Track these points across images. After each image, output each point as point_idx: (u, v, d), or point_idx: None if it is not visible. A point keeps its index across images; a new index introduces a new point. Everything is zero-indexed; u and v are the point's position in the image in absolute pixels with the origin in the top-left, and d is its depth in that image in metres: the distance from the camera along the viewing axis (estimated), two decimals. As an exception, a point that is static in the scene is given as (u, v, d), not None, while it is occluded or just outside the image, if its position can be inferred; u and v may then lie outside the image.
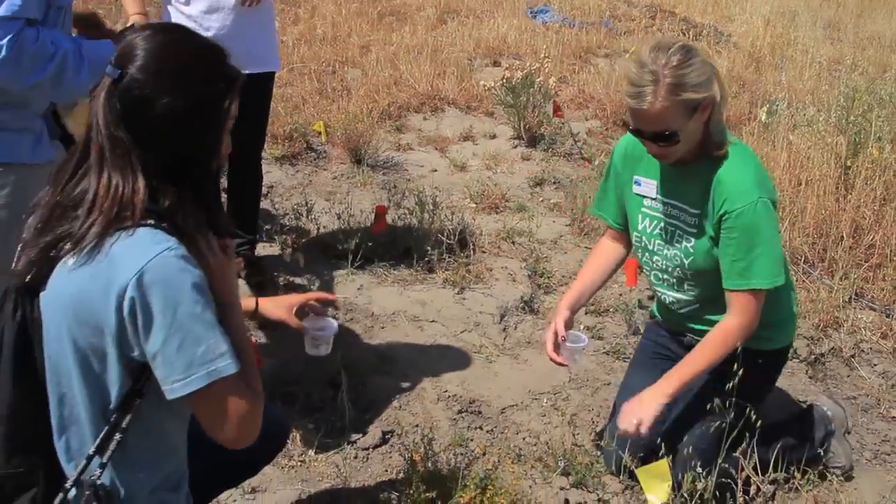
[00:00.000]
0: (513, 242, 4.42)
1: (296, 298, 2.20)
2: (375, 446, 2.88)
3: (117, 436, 1.56)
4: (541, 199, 5.06)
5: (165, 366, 1.48)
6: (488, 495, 2.30)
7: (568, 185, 5.15)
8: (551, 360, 2.63)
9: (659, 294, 2.75)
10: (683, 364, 2.49)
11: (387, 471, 2.78)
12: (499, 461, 2.76)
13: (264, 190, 4.66)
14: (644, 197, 2.63)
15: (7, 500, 1.57)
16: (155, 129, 1.52)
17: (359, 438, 2.90)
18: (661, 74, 2.26)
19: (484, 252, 4.29)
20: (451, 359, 3.42)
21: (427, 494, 2.28)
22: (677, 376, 2.46)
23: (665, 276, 2.65)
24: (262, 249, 4.10)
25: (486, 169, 5.44)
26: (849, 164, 4.70)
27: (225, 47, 1.64)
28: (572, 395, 3.25)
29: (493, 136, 5.99)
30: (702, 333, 2.59)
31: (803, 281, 4.11)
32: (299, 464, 2.77)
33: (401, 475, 2.72)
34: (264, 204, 4.51)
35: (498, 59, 7.55)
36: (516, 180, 5.27)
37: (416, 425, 3.00)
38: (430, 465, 2.47)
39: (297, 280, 3.84)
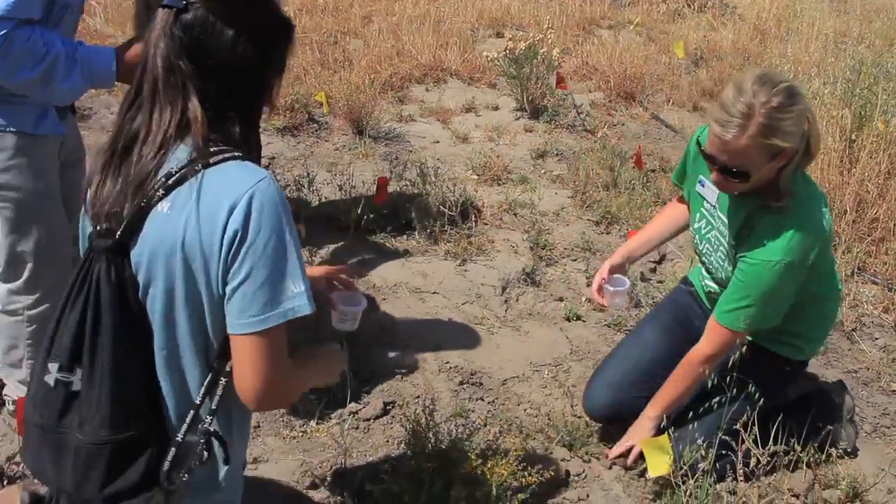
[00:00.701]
0: (515, 214, 4.41)
1: (321, 270, 2.11)
2: (377, 417, 2.89)
3: (222, 380, 1.56)
4: (543, 171, 5.04)
5: (244, 299, 1.46)
6: (489, 466, 2.31)
7: (570, 158, 5.13)
8: (593, 299, 2.77)
9: (703, 280, 2.76)
10: (661, 395, 2.61)
11: (388, 441, 2.79)
12: (500, 432, 2.76)
13: (266, 161, 4.65)
14: (703, 198, 2.59)
15: (122, 467, 1.54)
16: (218, 62, 1.50)
17: (360, 409, 2.91)
18: (756, 111, 2.14)
19: (486, 224, 4.28)
20: (453, 330, 3.42)
21: (428, 465, 2.28)
22: (658, 407, 2.61)
23: (712, 275, 2.67)
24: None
25: (489, 140, 5.41)
26: (854, 137, 4.67)
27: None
28: (573, 367, 3.26)
29: (496, 108, 5.96)
30: None
31: (806, 254, 4.10)
32: (301, 434, 2.78)
33: (402, 446, 2.73)
34: (266, 175, 4.49)
35: (501, 29, 7.49)
36: (519, 152, 5.25)
37: (418, 396, 3.00)
38: (431, 436, 2.47)
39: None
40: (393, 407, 2.94)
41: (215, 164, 1.49)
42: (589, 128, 5.65)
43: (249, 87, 1.56)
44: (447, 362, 3.22)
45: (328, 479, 2.51)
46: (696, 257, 2.78)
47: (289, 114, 5.31)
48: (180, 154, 1.50)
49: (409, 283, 3.72)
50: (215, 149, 1.51)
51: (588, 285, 3.84)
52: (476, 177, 4.81)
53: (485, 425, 2.85)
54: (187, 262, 1.48)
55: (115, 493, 1.54)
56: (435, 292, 3.67)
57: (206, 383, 1.56)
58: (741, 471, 2.51)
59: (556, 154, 5.25)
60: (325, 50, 6.42)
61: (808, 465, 2.65)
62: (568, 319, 3.58)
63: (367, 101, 5.38)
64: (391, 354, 3.08)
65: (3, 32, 2.02)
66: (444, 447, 2.40)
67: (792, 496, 2.62)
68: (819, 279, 2.53)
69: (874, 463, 2.85)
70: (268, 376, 1.51)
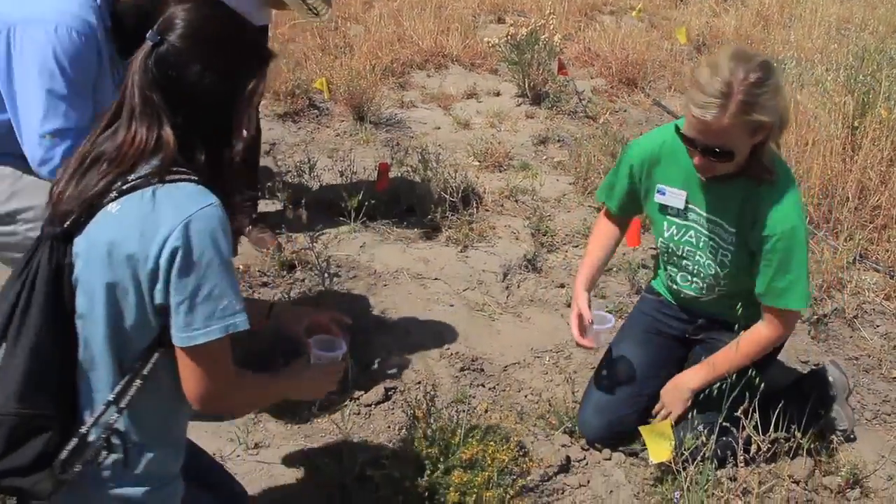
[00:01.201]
0: (516, 201, 4.40)
1: (307, 313, 2.18)
2: (378, 403, 2.89)
3: (137, 382, 1.61)
4: (545, 157, 5.03)
5: (188, 314, 1.55)
6: (490, 451, 2.31)
7: (572, 144, 5.12)
8: (578, 343, 2.64)
9: (677, 287, 2.74)
10: (711, 365, 2.54)
11: (389, 427, 2.79)
12: (501, 418, 2.77)
13: (266, 147, 4.64)
14: (668, 207, 2.57)
15: (19, 442, 1.58)
16: (185, 95, 1.59)
17: (361, 395, 2.91)
18: (735, 89, 2.13)
19: (487, 210, 4.27)
20: (454, 317, 3.42)
21: (429, 451, 2.29)
22: (704, 375, 2.54)
23: (693, 279, 2.66)
24: (265, 206, 4.08)
25: (490, 127, 5.39)
26: (856, 124, 4.65)
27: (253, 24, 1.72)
28: (574, 353, 3.26)
29: (497, 94, 5.94)
30: (716, 317, 2.67)
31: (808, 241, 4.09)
32: (302, 420, 2.78)
33: (403, 432, 2.74)
34: (267, 161, 4.49)
35: (502, 15, 7.46)
36: (520, 138, 5.23)
37: (419, 382, 3.01)
38: (432, 421, 2.48)
39: (300, 237, 3.83)
40: (394, 393, 2.95)
41: (170, 181, 1.57)
42: (591, 114, 5.63)
43: (216, 120, 1.64)
44: (448, 348, 3.22)
45: (329, 464, 2.52)
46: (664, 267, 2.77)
47: (290, 100, 5.29)
48: (142, 170, 1.59)
49: (410, 269, 3.71)
50: (175, 169, 1.59)
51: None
52: (477, 163, 4.80)
53: (486, 411, 2.85)
54: (118, 265, 1.56)
55: (7, 468, 1.58)
56: (436, 278, 3.67)
57: (119, 383, 1.61)
58: (742, 457, 2.52)
59: (558, 140, 5.24)
60: (325, 35, 6.39)
61: (809, 452, 2.66)
62: (569, 306, 3.56)
63: (368, 87, 5.36)
64: (376, 362, 3.07)
65: (67, 146, 2.11)
66: (445, 433, 2.40)
67: (792, 482, 2.62)
68: None
69: (874, 450, 2.85)
70: (209, 385, 1.61)
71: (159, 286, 1.55)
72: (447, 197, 4.12)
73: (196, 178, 1.60)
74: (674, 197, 2.53)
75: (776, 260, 2.39)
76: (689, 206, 2.53)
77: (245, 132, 1.71)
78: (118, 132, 1.62)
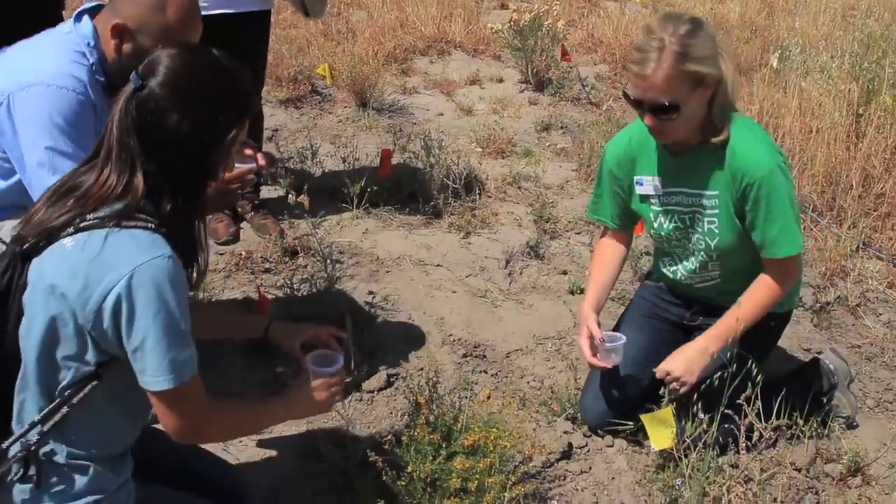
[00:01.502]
0: (519, 187, 4.39)
1: (304, 329, 2.19)
2: (380, 389, 2.90)
3: (64, 409, 1.62)
4: (548, 143, 5.02)
5: (141, 361, 1.58)
6: (492, 438, 2.31)
7: (575, 131, 5.10)
8: (591, 365, 2.60)
9: (672, 274, 2.73)
10: (725, 324, 2.49)
11: (391, 413, 2.80)
12: (503, 405, 2.77)
13: (269, 133, 4.63)
14: (649, 196, 2.59)
15: None
16: (161, 142, 1.60)
17: (364, 381, 2.92)
18: (667, 42, 2.22)
19: (490, 197, 4.27)
20: (457, 303, 3.42)
21: (431, 437, 2.29)
22: (720, 335, 2.48)
23: (687, 262, 2.66)
24: (267, 193, 4.08)
25: (493, 113, 5.38)
26: (861, 111, 4.64)
27: (244, 70, 1.73)
28: (576, 339, 3.25)
29: (500, 80, 5.92)
30: (712, 303, 2.64)
31: (811, 229, 4.08)
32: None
33: (405, 418, 2.74)
34: (269, 147, 4.48)
35: (506, 1, 7.44)
36: (523, 125, 5.22)
37: (421, 369, 3.01)
38: (434, 407, 2.48)
39: (302, 224, 3.82)
40: (396, 379, 2.95)
41: (125, 227, 1.58)
42: (594, 101, 5.61)
43: (189, 168, 1.65)
44: (451, 335, 3.22)
45: (332, 450, 2.52)
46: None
47: (292, 86, 5.28)
48: (102, 212, 1.61)
49: (412, 255, 3.71)
50: (136, 215, 1.60)
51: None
52: (480, 149, 4.79)
53: (488, 398, 2.85)
54: (59, 300, 1.57)
55: None
56: (438, 265, 3.67)
57: (46, 408, 1.62)
58: (743, 444, 2.52)
59: (561, 127, 5.22)
60: (328, 21, 6.37)
61: (810, 439, 2.66)
62: (571, 293, 3.57)
63: (370, 73, 5.35)
64: (378, 349, 3.09)
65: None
66: (447, 419, 2.41)
67: (794, 470, 2.63)
68: None
69: (876, 438, 2.85)
70: (179, 423, 1.66)
71: (107, 331, 1.56)
72: (450, 183, 4.11)
73: (153, 226, 1.60)
74: (648, 185, 2.57)
75: (761, 209, 2.39)
76: (668, 189, 2.55)
77: (221, 176, 1.74)
78: (93, 170, 1.64)
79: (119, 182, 1.60)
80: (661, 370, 2.50)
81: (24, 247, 1.63)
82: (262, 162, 2.29)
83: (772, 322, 2.63)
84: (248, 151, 2.27)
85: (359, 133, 4.89)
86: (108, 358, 1.62)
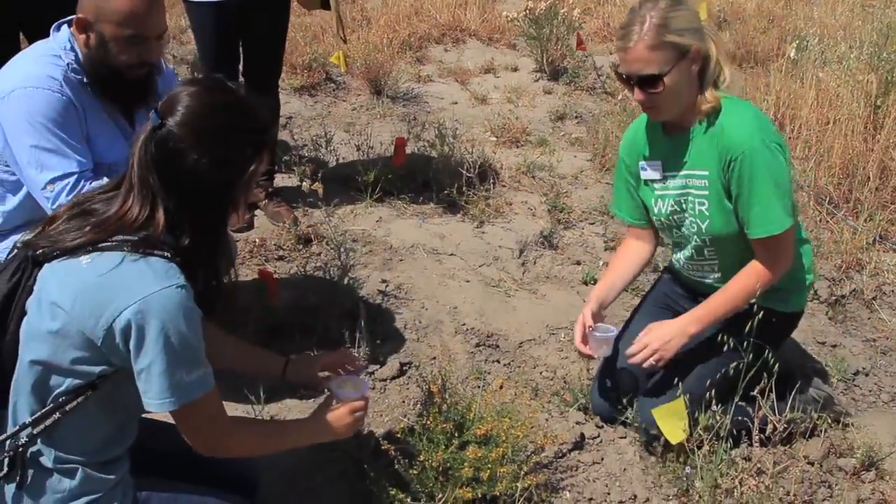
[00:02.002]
0: (533, 177, 4.38)
1: (320, 358, 2.21)
2: (393, 378, 2.90)
3: (56, 415, 1.66)
4: (562, 133, 5.00)
5: (146, 383, 1.62)
6: (504, 428, 2.32)
7: (590, 120, 5.08)
8: (578, 352, 2.60)
9: (677, 262, 2.73)
10: (708, 305, 2.48)
11: (404, 402, 2.80)
12: (516, 395, 2.77)
13: (283, 121, 4.63)
14: (653, 181, 2.60)
15: None
16: (180, 179, 1.64)
17: (376, 370, 2.92)
18: (647, 16, 2.29)
19: (504, 186, 4.26)
20: (470, 292, 3.42)
21: (444, 426, 2.29)
22: (701, 316, 2.46)
23: (686, 247, 2.63)
24: (281, 180, 4.08)
25: (508, 102, 5.36)
26: (879, 103, 4.59)
27: (262, 105, 1.79)
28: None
29: (515, 69, 5.90)
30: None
31: (827, 221, 4.05)
32: (318, 394, 2.79)
33: (418, 407, 2.74)
34: (283, 135, 4.48)
35: (521, -11, 7.39)
36: (538, 114, 5.20)
37: (434, 358, 3.01)
38: (447, 397, 2.48)
39: (316, 211, 3.83)
40: (409, 368, 2.95)
41: (143, 253, 1.61)
42: (609, 90, 5.58)
43: (209, 203, 1.69)
44: (464, 324, 3.22)
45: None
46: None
47: (306, 73, 5.28)
48: (120, 237, 1.64)
49: (426, 244, 3.71)
50: (157, 245, 1.64)
51: (606, 249, 3.82)
52: (494, 139, 4.78)
53: (501, 387, 2.85)
54: (59, 314, 1.60)
55: None
56: (452, 254, 3.67)
57: (38, 412, 1.66)
58: (756, 437, 2.52)
59: (576, 116, 5.20)
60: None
61: (824, 433, 2.65)
62: (585, 283, 3.57)
63: (385, 61, 5.34)
64: (391, 337, 3.10)
65: (73, 182, 2.26)
66: (459, 408, 2.41)
67: (807, 463, 2.61)
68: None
69: (891, 432, 2.83)
70: (195, 440, 1.73)
71: (119, 346, 1.59)
72: (464, 172, 4.10)
73: (169, 255, 1.64)
74: (652, 169, 2.58)
75: (744, 186, 2.37)
76: (665, 172, 2.55)
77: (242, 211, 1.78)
78: (114, 201, 1.68)
79: (141, 215, 1.64)
80: (639, 342, 2.47)
81: (36, 252, 1.67)
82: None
83: (773, 319, 2.53)
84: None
85: (373, 121, 4.88)
86: (112, 371, 1.65)
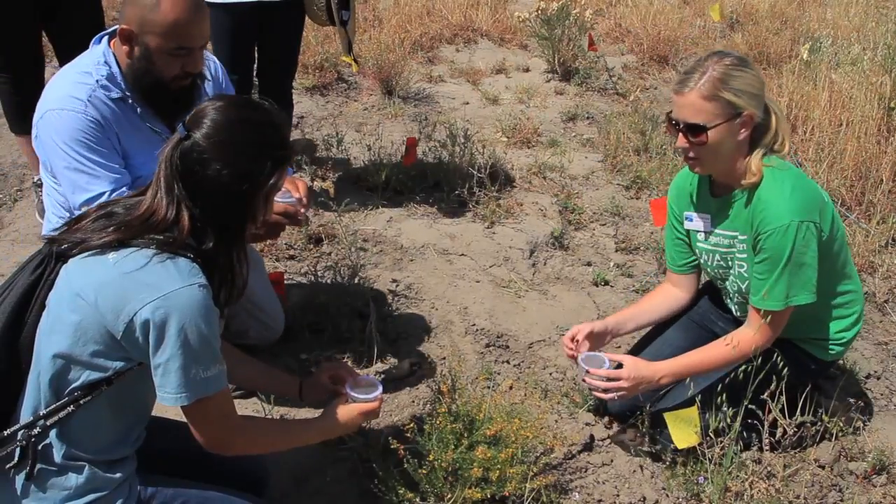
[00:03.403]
0: (544, 177, 4.38)
1: (325, 367, 2.24)
2: (403, 378, 2.90)
3: (70, 408, 1.69)
4: (574, 134, 4.99)
5: (163, 378, 1.66)
6: (514, 428, 2.31)
7: (601, 121, 5.07)
8: (563, 346, 2.62)
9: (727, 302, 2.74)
10: (688, 359, 2.50)
11: (413, 402, 2.81)
12: (525, 395, 2.77)
13: (295, 120, 4.64)
14: (697, 231, 2.61)
15: None
16: (203, 188, 1.70)
17: (386, 370, 2.93)
18: (709, 65, 2.30)
19: (515, 187, 4.25)
20: (480, 293, 3.42)
21: (453, 426, 2.29)
22: (678, 369, 2.48)
23: (731, 301, 2.66)
24: (292, 179, 4.08)
25: (519, 103, 5.36)
26: (893, 105, 4.57)
27: (286, 120, 1.86)
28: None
29: (527, 70, 5.89)
30: None
31: (839, 224, 4.03)
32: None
33: (427, 406, 2.75)
34: (295, 134, 4.49)
35: (533, -11, 7.38)
36: (549, 115, 5.20)
37: (444, 358, 3.01)
38: (456, 397, 2.48)
39: (327, 212, 3.83)
40: (419, 368, 2.95)
41: (169, 252, 1.67)
42: (621, 91, 5.57)
43: (230, 212, 1.75)
44: (474, 324, 3.22)
45: (353, 437, 2.53)
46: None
47: (318, 73, 5.29)
48: (150, 236, 1.70)
49: (436, 244, 3.71)
50: (183, 245, 1.70)
51: (616, 250, 3.82)
52: (505, 139, 4.77)
53: (510, 388, 2.86)
54: (82, 306, 1.64)
55: None
56: (463, 254, 3.67)
57: (53, 404, 1.70)
58: (767, 440, 2.51)
59: (587, 117, 5.19)
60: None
61: (835, 437, 2.64)
62: (595, 284, 3.56)
63: (396, 61, 5.34)
64: (401, 337, 3.11)
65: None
66: (469, 408, 2.41)
67: (818, 467, 2.60)
68: (836, 272, 2.52)
69: (902, 435, 2.82)
70: (206, 437, 1.78)
71: (138, 340, 1.63)
72: (475, 173, 4.10)
73: (192, 255, 1.69)
74: (699, 221, 2.60)
75: (763, 257, 2.38)
76: (711, 229, 2.57)
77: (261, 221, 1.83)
78: (141, 203, 1.74)
79: (168, 214, 1.70)
80: (616, 374, 2.44)
81: (61, 248, 1.72)
82: (304, 200, 2.40)
83: (812, 365, 2.60)
84: (291, 187, 2.40)
85: (384, 121, 4.89)
86: (129, 367, 1.69)
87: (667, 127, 2.49)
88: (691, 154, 2.39)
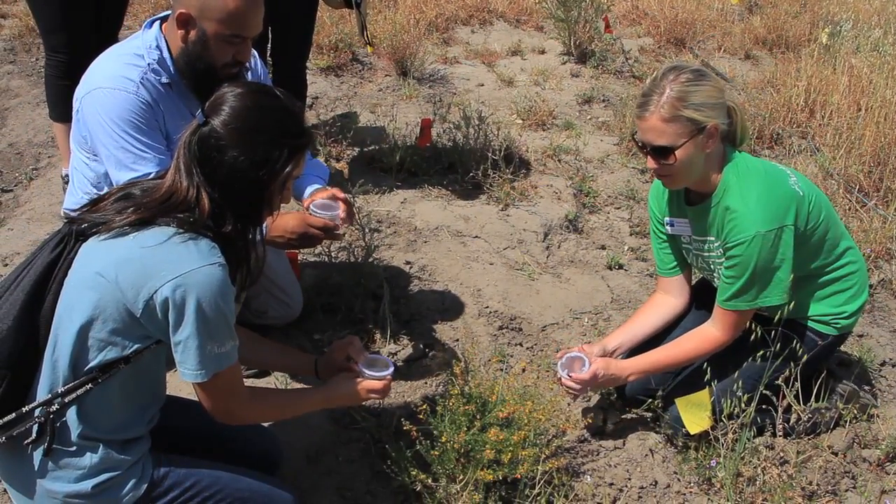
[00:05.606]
0: (559, 160, 4.36)
1: (336, 345, 2.23)
2: (416, 359, 2.91)
3: (88, 386, 1.72)
4: (589, 116, 4.96)
5: (183, 354, 1.70)
6: (527, 411, 2.32)
7: (617, 104, 5.04)
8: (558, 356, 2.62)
9: None
10: (654, 356, 2.54)
11: (426, 383, 2.81)
12: (538, 378, 2.77)
13: (309, 101, 4.63)
14: (680, 237, 2.63)
15: None
16: (220, 175, 1.74)
17: (399, 351, 2.93)
18: (667, 87, 2.29)
19: (529, 169, 4.24)
20: (493, 275, 3.41)
21: (466, 408, 2.30)
22: (644, 366, 2.54)
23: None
24: (307, 160, 4.08)
25: (534, 85, 5.33)
26: (913, 89, 4.52)
27: (302, 109, 1.87)
28: (613, 315, 3.24)
29: (542, 52, 5.85)
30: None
31: (856, 210, 4.00)
32: (340, 373, 2.80)
33: (440, 388, 2.75)
34: (309, 115, 4.48)
35: (550, -30, 7.32)
36: (564, 97, 5.17)
37: (457, 340, 3.01)
38: (469, 379, 2.48)
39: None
40: (432, 349, 2.96)
41: (190, 232, 1.70)
42: (637, 74, 5.53)
43: (246, 198, 1.78)
44: (487, 307, 3.22)
45: (366, 417, 2.54)
46: None
47: (333, 53, 5.27)
48: (171, 216, 1.73)
49: (450, 226, 3.70)
50: (204, 226, 1.73)
51: (631, 234, 3.80)
52: (520, 121, 4.75)
53: (523, 371, 2.86)
54: (102, 284, 1.66)
55: None
56: (476, 236, 3.66)
57: (72, 382, 1.71)
58: (780, 426, 2.50)
59: (603, 100, 5.16)
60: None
61: (849, 424, 2.63)
62: (609, 268, 3.55)
63: (411, 42, 5.32)
64: (414, 319, 3.12)
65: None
66: (482, 390, 2.41)
67: (831, 453, 2.60)
68: (825, 252, 2.51)
69: (917, 423, 2.81)
70: (214, 408, 1.82)
71: (158, 317, 1.66)
72: (489, 155, 4.09)
73: (211, 235, 1.72)
74: (680, 226, 2.60)
75: (731, 263, 2.39)
76: (693, 236, 2.57)
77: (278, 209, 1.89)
78: (161, 184, 1.77)
79: (189, 194, 1.74)
80: (591, 371, 2.47)
81: (82, 227, 1.75)
82: (344, 216, 2.42)
83: (819, 341, 2.59)
84: (334, 198, 2.44)
85: (398, 102, 4.87)
86: (146, 345, 1.71)
87: (636, 148, 2.47)
88: (662, 172, 2.40)
